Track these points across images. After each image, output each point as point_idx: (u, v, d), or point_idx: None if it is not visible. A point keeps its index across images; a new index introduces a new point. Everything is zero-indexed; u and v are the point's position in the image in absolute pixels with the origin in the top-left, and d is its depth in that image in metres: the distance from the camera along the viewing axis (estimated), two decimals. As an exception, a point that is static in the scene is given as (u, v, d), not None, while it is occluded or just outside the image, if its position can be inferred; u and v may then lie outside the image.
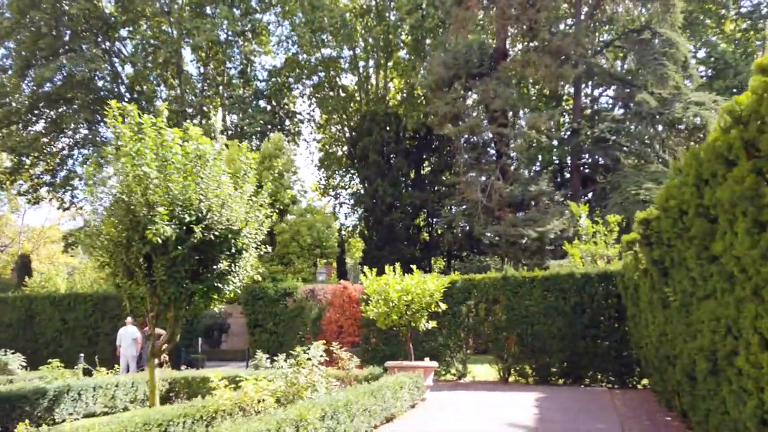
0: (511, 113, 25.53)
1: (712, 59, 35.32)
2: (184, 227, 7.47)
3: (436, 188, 37.27)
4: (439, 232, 35.42)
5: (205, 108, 41.59)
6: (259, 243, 8.61)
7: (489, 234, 23.10)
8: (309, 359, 7.37)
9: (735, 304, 3.61)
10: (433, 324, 10.72)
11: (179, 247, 7.36)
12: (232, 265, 8.11)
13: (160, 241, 7.09)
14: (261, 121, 40.39)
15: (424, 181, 38.08)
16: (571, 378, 13.08)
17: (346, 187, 47.62)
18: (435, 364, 10.60)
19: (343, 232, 43.55)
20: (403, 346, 14.02)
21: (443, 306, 10.88)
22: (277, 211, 27.34)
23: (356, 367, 12.43)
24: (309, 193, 51.57)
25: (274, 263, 28.09)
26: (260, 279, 8.88)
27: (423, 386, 9.80)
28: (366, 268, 10.89)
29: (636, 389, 12.44)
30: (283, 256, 28.16)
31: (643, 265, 7.25)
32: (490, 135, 24.05)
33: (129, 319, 14.99)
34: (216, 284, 7.91)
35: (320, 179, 49.06)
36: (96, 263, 8.50)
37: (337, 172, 47.85)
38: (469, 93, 24.59)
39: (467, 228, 29.67)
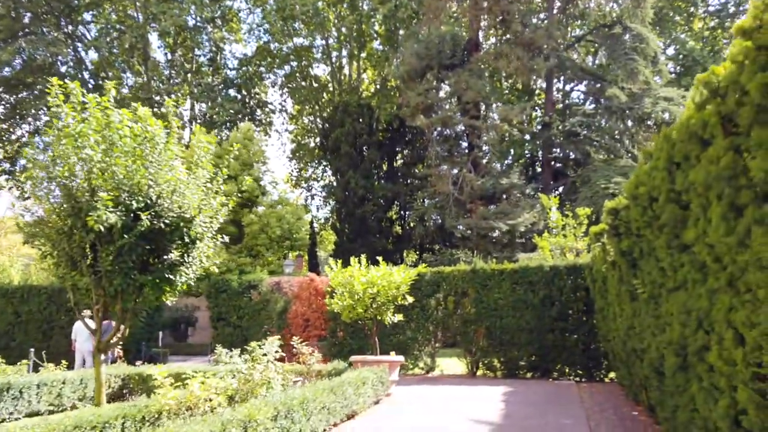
0: (483, 106, 25.39)
1: (681, 56, 35.86)
2: (132, 214, 6.96)
3: (408, 181, 37.03)
4: (411, 225, 35.22)
5: (172, 96, 40.51)
6: (215, 232, 8.14)
7: (460, 227, 22.95)
8: (264, 355, 6.97)
9: (707, 296, 3.37)
10: (399, 317, 10.43)
11: (126, 236, 6.85)
12: (185, 255, 7.62)
13: (102, 229, 6.58)
14: (231, 111, 39.49)
15: (396, 174, 37.78)
16: (539, 372, 12.97)
17: (319, 179, 47.04)
18: (401, 358, 10.33)
19: (315, 225, 43.08)
20: (370, 339, 13.73)
21: (410, 299, 10.60)
22: (236, 198, 26.71)
23: (321, 362, 12.10)
24: (281, 185, 50.91)
25: (242, 255, 27.49)
26: (216, 271, 8.38)
27: (388, 381, 9.51)
28: (331, 260, 10.52)
29: (603, 382, 12.39)
30: (251, 248, 27.56)
31: (611, 256, 7.06)
32: (462, 127, 23.84)
33: (87, 312, 14.29)
34: (167, 276, 7.42)
35: (292, 171, 48.41)
36: (38, 253, 7.93)
37: (309, 164, 47.20)
38: (442, 84, 24.34)
39: (439, 221, 29.53)
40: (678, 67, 36.33)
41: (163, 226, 7.21)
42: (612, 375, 12.57)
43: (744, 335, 2.90)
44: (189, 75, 40.89)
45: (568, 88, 35.65)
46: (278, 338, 7.32)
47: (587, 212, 14.48)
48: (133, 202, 6.99)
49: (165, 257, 7.51)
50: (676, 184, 3.60)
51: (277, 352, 7.20)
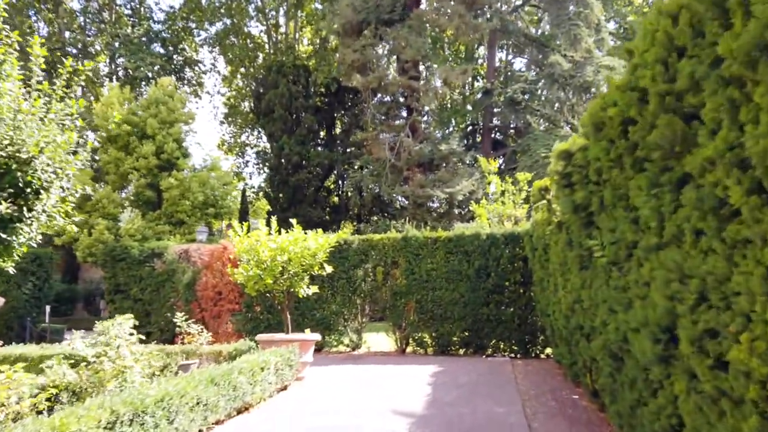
0: (423, 67, 23.96)
1: (623, 30, 35.79)
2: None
3: (347, 150, 35.39)
4: (348, 194, 33.74)
5: (90, 49, 36.71)
6: (70, 179, 6.34)
7: (397, 196, 21.70)
8: (117, 337, 5.39)
9: (724, 254, 2.13)
10: (314, 289, 9.00)
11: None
12: (23, 208, 5.85)
13: None
14: (154, 66, 36.23)
15: (335, 141, 36.01)
16: (473, 347, 11.99)
17: (252, 145, 44.49)
18: (316, 336, 8.95)
19: (249, 194, 40.84)
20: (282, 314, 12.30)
21: (329, 268, 9.18)
22: (154, 159, 24.26)
23: (236, 339, 10.61)
24: (215, 152, 47.99)
25: (161, 223, 25.18)
26: (74, 230, 6.63)
27: (298, 363, 8.12)
28: (236, 223, 8.91)
29: (539, 359, 11.57)
30: (171, 215, 25.27)
31: (558, 216, 5.89)
32: (401, 90, 22.36)
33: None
34: (-1, 234, 5.66)
35: (225, 136, 45.62)
36: None
37: (243, 130, 44.53)
38: (381, 43, 22.68)
39: (377, 190, 28.21)
40: (619, 42, 36.25)
41: (-16, 168, 5.39)
42: (548, 351, 11.78)
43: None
44: (107, 26, 37.04)
45: (510, 57, 34.88)
46: (183, 314, 5.84)
47: (527, 177, 13.49)
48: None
49: (-8, 211, 5.69)
50: (679, 81, 2.33)
51: (132, 334, 5.60)
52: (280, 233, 8.67)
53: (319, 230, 9.04)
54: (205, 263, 13.23)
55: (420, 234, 12.37)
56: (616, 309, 3.90)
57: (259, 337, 8.77)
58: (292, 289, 8.75)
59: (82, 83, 6.35)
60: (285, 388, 7.87)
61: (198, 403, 5.27)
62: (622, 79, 3.19)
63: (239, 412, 6.32)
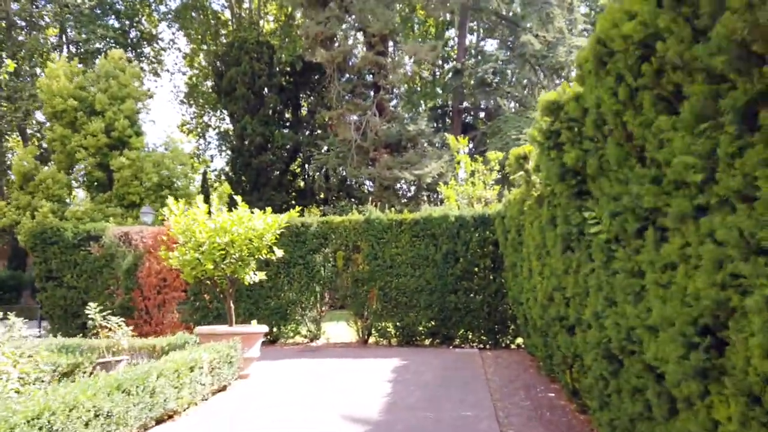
0: (391, 43, 22.89)
1: (593, 13, 35.32)
2: None
3: (314, 132, 34.07)
4: (314, 177, 32.50)
5: (39, 22, 34.29)
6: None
7: (362, 177, 20.69)
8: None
9: None
10: (261, 276, 7.97)
11: None
12: None
13: None
14: (109, 40, 34.14)
15: (301, 124, 34.66)
16: (439, 338, 11.19)
17: (215, 127, 42.68)
18: (263, 328, 7.93)
19: (213, 177, 39.24)
20: (241, 303, 11.26)
21: (279, 252, 8.16)
22: (104, 138, 22.63)
23: (187, 330, 9.59)
24: (176, 133, 46.04)
25: (111, 205, 23.57)
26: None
27: (240, 359, 7.12)
28: (172, 200, 7.79)
29: (509, 349, 10.86)
30: (123, 197, 23.69)
31: (539, 189, 5.03)
32: (368, 67, 21.24)
33: None
34: None
35: (186, 116, 43.71)
36: None
37: (205, 110, 42.66)
38: (347, 15, 21.46)
39: (344, 173, 27.11)
40: (590, 26, 35.79)
41: None
42: (519, 341, 11.07)
43: None
44: (55, -5, 34.63)
45: (481, 40, 34.04)
46: (123, 302, 4.77)
47: (499, 156, 12.67)
48: None
49: None
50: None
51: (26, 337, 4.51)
52: (219, 211, 7.60)
53: (268, 209, 7.99)
54: (147, 247, 12.02)
55: (384, 216, 11.45)
56: (618, 299, 3.04)
57: (199, 329, 7.72)
58: (235, 276, 7.71)
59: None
60: (224, 388, 6.88)
61: (97, 416, 4.24)
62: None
63: (160, 421, 5.30)
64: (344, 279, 11.56)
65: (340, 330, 12.46)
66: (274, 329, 11.61)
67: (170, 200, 7.62)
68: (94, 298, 11.91)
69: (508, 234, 8.90)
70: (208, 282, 7.89)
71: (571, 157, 3.50)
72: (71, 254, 12.00)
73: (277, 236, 8.22)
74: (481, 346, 11.04)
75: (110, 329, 6.81)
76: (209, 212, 7.64)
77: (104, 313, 7.08)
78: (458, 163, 13.48)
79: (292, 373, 8.05)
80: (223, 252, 7.38)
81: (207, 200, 35.64)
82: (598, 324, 3.58)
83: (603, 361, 3.62)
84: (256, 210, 7.82)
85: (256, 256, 7.86)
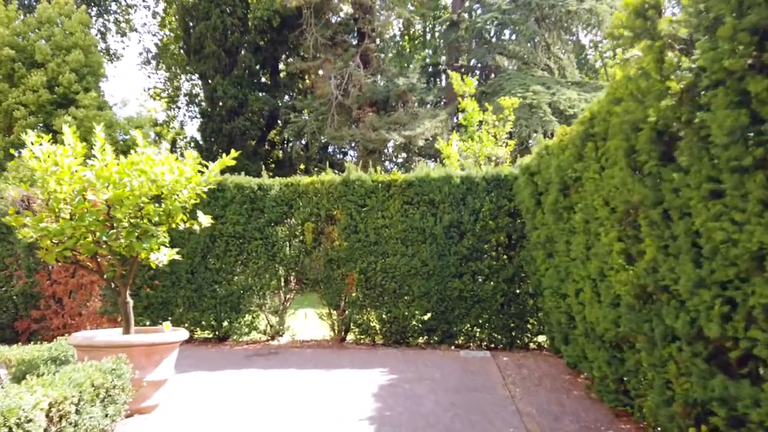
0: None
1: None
2: None
3: (295, 97, 30.89)
4: (291, 144, 29.52)
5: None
6: None
7: (344, 141, 17.90)
8: None
9: None
10: (172, 254, 5.20)
11: None
12: None
13: None
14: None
15: (279, 88, 31.45)
16: (438, 335, 8.59)
17: (186, 93, 39.22)
18: (180, 335, 5.20)
19: (181, 143, 36.11)
20: (179, 289, 8.56)
21: (205, 220, 5.40)
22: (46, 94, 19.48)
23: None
24: (143, 98, 42.47)
25: (57, 172, 20.54)
26: None
27: (129, 389, 4.41)
28: (26, 136, 4.94)
29: (527, 349, 8.35)
30: (69, 163, 20.64)
31: (689, 75, 2.34)
32: (351, 11, 18.23)
33: None
34: None
35: (153, 80, 40.24)
36: None
37: (175, 73, 39.19)
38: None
39: (324, 139, 24.23)
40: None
41: None
42: (540, 339, 8.55)
43: None
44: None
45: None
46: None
47: (515, 103, 9.98)
48: None
49: None
50: None
51: None
52: (104, 148, 4.80)
53: (188, 152, 5.20)
54: (58, 216, 9.18)
55: (367, 177, 8.74)
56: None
57: (75, 338, 4.98)
58: (134, 255, 4.97)
59: None
60: (100, 438, 4.20)
61: None
62: None
63: None
64: (315, 259, 8.88)
65: (311, 324, 9.83)
66: (224, 323, 8.95)
67: (28, 134, 4.79)
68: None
69: (541, 196, 6.26)
70: (89, 264, 5.13)
71: None
72: (-45, 225, 9.17)
73: (205, 194, 5.48)
74: (492, 345, 8.50)
75: None
76: (87, 155, 4.86)
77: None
78: (461, 110, 10.73)
79: (225, 399, 5.40)
80: (106, 218, 4.63)
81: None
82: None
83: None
84: (165, 152, 5.02)
85: (168, 225, 5.12)
